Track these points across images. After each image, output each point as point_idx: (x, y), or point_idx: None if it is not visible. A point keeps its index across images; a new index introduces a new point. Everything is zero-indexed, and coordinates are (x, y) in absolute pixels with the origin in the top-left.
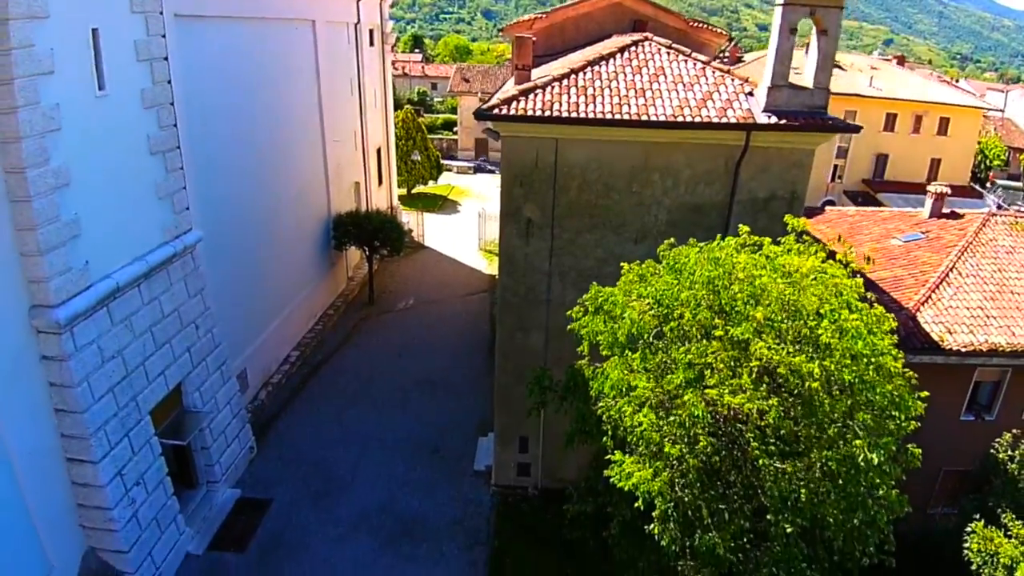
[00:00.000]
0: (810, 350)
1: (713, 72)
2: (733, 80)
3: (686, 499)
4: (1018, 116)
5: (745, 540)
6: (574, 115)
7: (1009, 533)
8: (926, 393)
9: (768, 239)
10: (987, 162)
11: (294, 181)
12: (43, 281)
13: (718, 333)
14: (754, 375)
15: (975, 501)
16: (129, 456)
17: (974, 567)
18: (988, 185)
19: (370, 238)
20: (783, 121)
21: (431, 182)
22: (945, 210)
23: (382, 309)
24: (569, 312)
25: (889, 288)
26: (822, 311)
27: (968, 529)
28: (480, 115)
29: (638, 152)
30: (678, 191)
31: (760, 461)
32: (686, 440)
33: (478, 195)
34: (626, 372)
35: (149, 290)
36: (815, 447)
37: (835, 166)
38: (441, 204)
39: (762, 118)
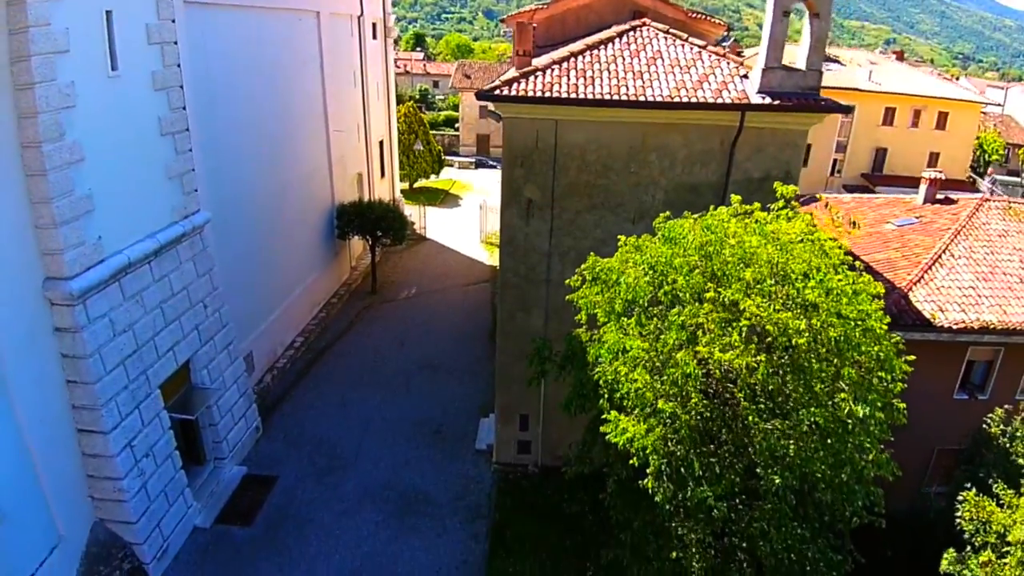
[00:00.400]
0: (798, 310)
1: (709, 55)
2: (729, 63)
3: (678, 454)
4: (1018, 113)
5: (737, 501)
6: (573, 96)
7: (1001, 502)
8: (912, 357)
9: (758, 204)
10: (986, 157)
11: (298, 170)
12: (57, 253)
13: (709, 295)
14: (744, 334)
15: (966, 472)
16: (139, 428)
17: (967, 536)
18: (985, 177)
19: (373, 227)
20: (777, 102)
21: (433, 176)
22: (939, 197)
23: (385, 298)
24: (567, 281)
25: (883, 269)
26: (809, 273)
27: (960, 498)
28: (482, 96)
29: (636, 133)
30: (675, 171)
31: (750, 418)
32: (679, 398)
33: (480, 190)
34: (622, 336)
35: (159, 267)
36: (803, 406)
37: (834, 160)
38: (443, 198)
39: (756, 99)
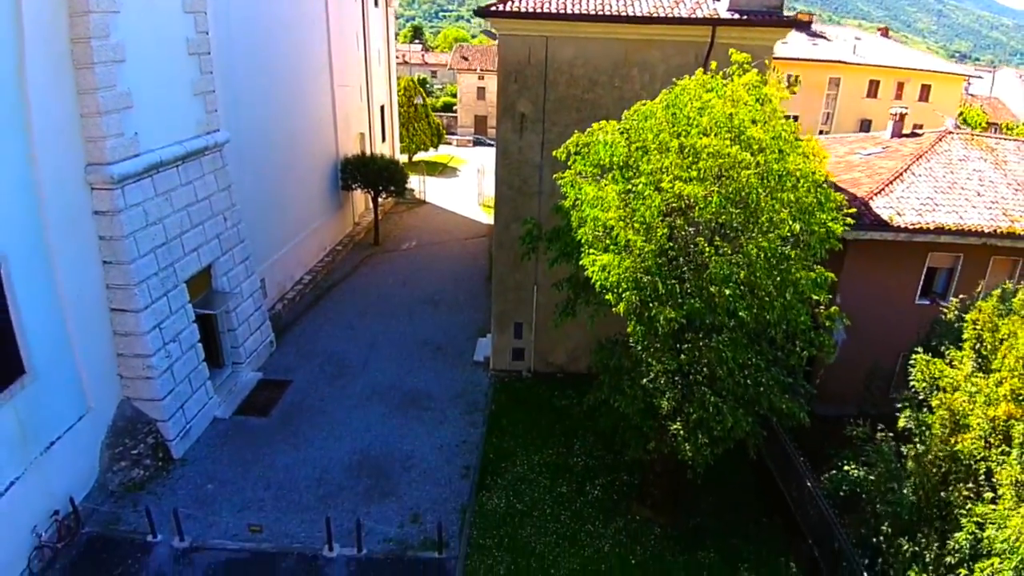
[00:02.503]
0: (747, 150)
1: None
2: None
3: (645, 281)
4: (1005, 95)
5: (701, 344)
6: (562, 12)
7: (953, 366)
8: (853, 210)
9: (715, 64)
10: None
11: (306, 118)
12: (100, 140)
13: (673, 145)
14: (701, 173)
15: (920, 342)
16: (167, 313)
17: (921, 396)
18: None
19: (375, 178)
20: (744, 17)
21: (432, 151)
22: (906, 132)
23: (387, 249)
24: (555, 152)
25: (847, 187)
26: (755, 119)
27: (911, 361)
28: (479, 12)
29: (619, 49)
30: (655, 86)
31: (705, 250)
32: (645, 232)
33: (477, 164)
34: (598, 191)
35: (186, 173)
36: (750, 236)
37: (820, 131)
38: (441, 170)
39: (726, 15)
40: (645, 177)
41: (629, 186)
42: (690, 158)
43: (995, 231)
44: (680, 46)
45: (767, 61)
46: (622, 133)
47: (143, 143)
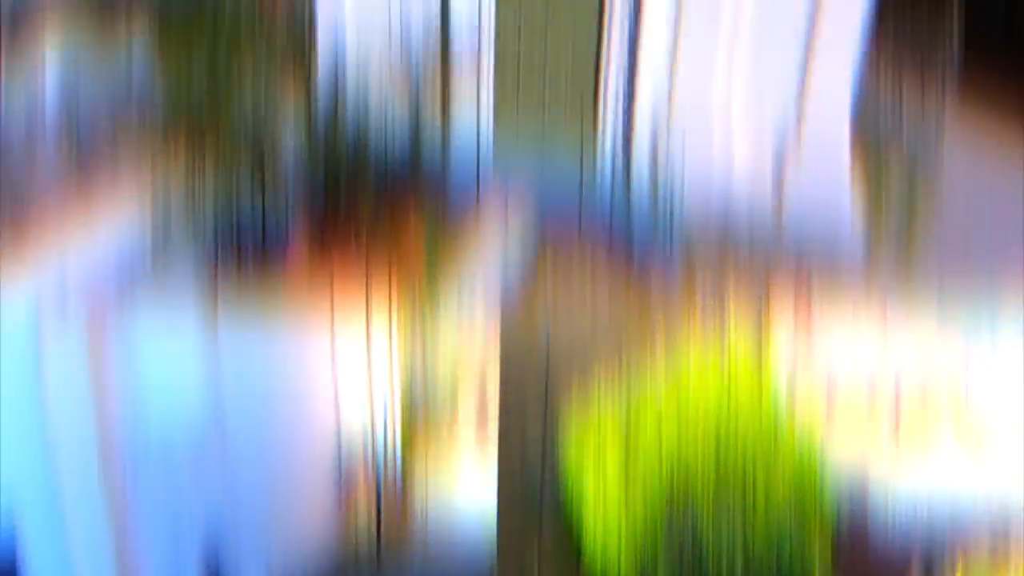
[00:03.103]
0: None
1: None
2: None
3: (646, 547)
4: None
5: None
6: (563, 303)
7: None
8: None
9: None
10: None
11: (306, 415)
12: (110, 419)
13: (670, 415)
14: (698, 442)
15: None
16: None
17: None
18: None
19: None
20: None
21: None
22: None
23: (387, 562)
24: (557, 441)
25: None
26: (753, 391)
27: None
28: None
29: (620, 323)
30: (656, 353)
31: (703, 521)
32: (645, 501)
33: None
34: (599, 463)
35: (192, 451)
36: (749, 512)
37: None
38: (443, 475)
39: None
40: (644, 448)
41: (629, 454)
42: (688, 426)
43: (987, 536)
44: (680, 313)
45: (764, 326)
46: (621, 406)
47: (152, 420)
